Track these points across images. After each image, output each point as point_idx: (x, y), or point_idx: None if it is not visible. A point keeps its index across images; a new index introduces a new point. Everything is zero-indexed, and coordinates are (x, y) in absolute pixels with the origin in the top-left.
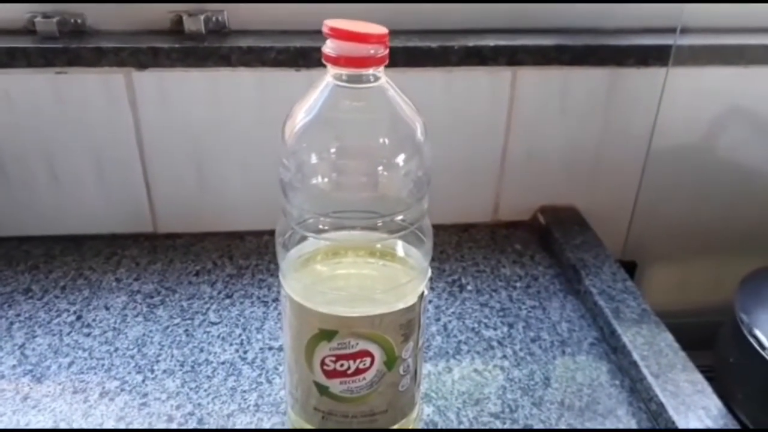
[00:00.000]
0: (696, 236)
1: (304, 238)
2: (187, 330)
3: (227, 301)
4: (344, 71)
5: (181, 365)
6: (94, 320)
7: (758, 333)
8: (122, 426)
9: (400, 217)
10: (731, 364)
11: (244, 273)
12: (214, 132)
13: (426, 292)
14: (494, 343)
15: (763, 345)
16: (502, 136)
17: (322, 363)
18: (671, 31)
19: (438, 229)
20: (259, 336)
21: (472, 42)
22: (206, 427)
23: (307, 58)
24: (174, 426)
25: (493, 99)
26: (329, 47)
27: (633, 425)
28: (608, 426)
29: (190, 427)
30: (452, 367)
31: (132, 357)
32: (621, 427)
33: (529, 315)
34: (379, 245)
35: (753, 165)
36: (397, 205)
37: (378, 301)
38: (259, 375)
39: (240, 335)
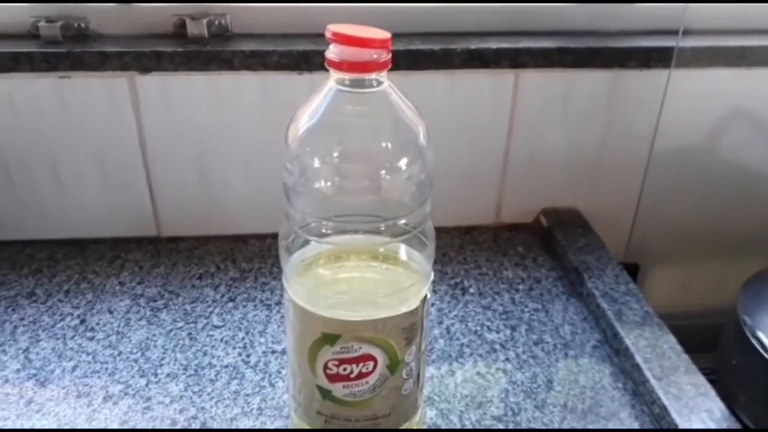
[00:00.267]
0: (699, 238)
1: (307, 242)
2: (190, 333)
3: (230, 304)
4: (347, 76)
5: (185, 369)
6: (97, 324)
7: (761, 335)
8: None
9: (402, 221)
10: (734, 367)
11: (248, 276)
12: (217, 135)
13: (429, 296)
14: (497, 346)
15: (766, 347)
16: (504, 139)
17: (325, 367)
18: (674, 33)
19: (440, 231)
20: (263, 339)
21: (474, 45)
22: None
23: (310, 61)
24: None
25: (495, 101)
26: (332, 52)
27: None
28: None
29: None
30: (455, 371)
31: (135, 361)
32: None
33: (532, 318)
34: (381, 249)
35: (756, 167)
36: (399, 208)
37: (381, 304)
38: (262, 378)
39: (243, 339)
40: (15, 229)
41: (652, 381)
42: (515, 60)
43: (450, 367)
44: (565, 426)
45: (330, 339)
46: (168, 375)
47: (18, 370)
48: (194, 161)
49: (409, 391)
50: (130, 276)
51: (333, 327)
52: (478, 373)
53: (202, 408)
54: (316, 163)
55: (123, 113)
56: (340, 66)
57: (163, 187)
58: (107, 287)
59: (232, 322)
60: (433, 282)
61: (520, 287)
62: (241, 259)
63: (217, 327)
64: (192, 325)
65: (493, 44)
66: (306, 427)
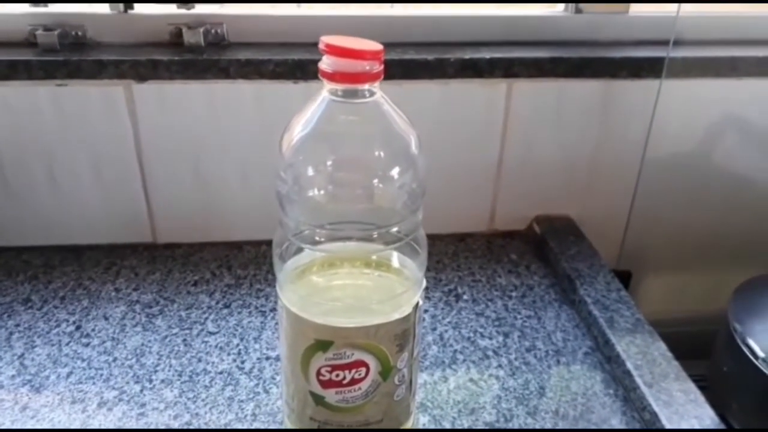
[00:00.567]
0: (690, 246)
1: (300, 250)
2: (185, 340)
3: (225, 311)
4: (340, 87)
5: (179, 375)
6: (93, 330)
7: (752, 342)
8: None
9: (395, 229)
10: (725, 373)
11: (242, 283)
12: (213, 143)
13: (421, 303)
14: (490, 353)
15: (757, 354)
16: (497, 147)
17: (318, 373)
18: (664, 43)
19: (434, 238)
20: (257, 346)
21: (467, 55)
22: None
23: (305, 70)
24: None
25: (488, 111)
26: (325, 63)
27: None
28: None
29: None
30: (448, 377)
31: (130, 367)
32: None
33: (525, 324)
34: (374, 256)
35: (747, 175)
36: (392, 216)
37: (373, 311)
38: (257, 385)
39: (238, 345)
40: (11, 236)
41: (643, 388)
42: (508, 70)
43: (443, 374)
44: None
45: (323, 345)
46: (163, 381)
47: (13, 376)
48: (190, 168)
49: (402, 397)
50: (125, 282)
51: (326, 333)
52: (471, 380)
53: (197, 414)
54: (310, 172)
55: (120, 121)
56: (333, 77)
57: (159, 193)
58: (103, 293)
59: (227, 329)
60: (427, 289)
61: (513, 294)
62: (236, 265)
63: (212, 333)
64: (187, 331)
65: (487, 54)
66: None
